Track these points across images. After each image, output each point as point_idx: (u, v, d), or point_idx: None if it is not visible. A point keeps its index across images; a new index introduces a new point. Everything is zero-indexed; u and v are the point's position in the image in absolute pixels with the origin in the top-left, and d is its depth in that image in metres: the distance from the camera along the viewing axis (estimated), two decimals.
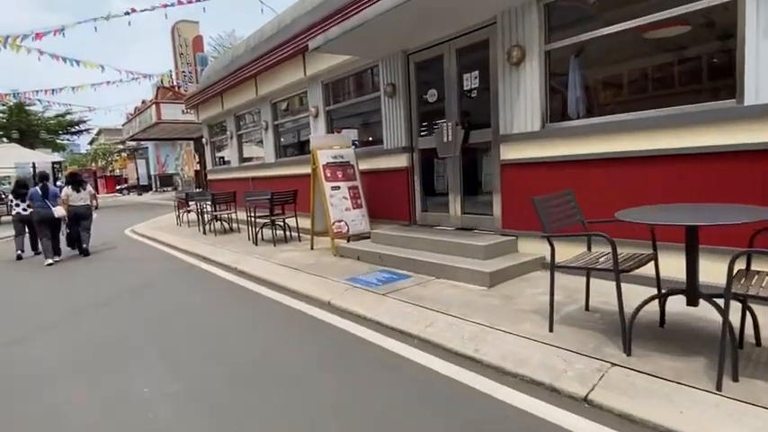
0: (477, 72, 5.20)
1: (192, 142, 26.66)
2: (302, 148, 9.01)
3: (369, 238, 6.11)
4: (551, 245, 2.92)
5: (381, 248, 5.45)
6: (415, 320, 3.51)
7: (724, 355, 2.17)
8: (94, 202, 8.82)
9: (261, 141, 10.08)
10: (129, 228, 12.48)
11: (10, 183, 19.61)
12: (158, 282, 6.08)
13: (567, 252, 3.23)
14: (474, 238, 4.88)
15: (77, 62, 16.76)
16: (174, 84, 23.28)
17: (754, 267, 2.53)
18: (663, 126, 3.62)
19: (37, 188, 8.02)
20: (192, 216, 10.98)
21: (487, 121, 5.06)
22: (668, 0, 3.57)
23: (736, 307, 2.39)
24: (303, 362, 3.15)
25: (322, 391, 2.72)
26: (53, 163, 21.27)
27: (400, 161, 6.18)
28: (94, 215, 8.91)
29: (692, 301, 2.54)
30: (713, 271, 2.99)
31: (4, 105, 24.45)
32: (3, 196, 18.85)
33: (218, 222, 9.74)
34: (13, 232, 8.82)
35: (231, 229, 9.68)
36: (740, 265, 2.29)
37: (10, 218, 8.96)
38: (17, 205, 8.50)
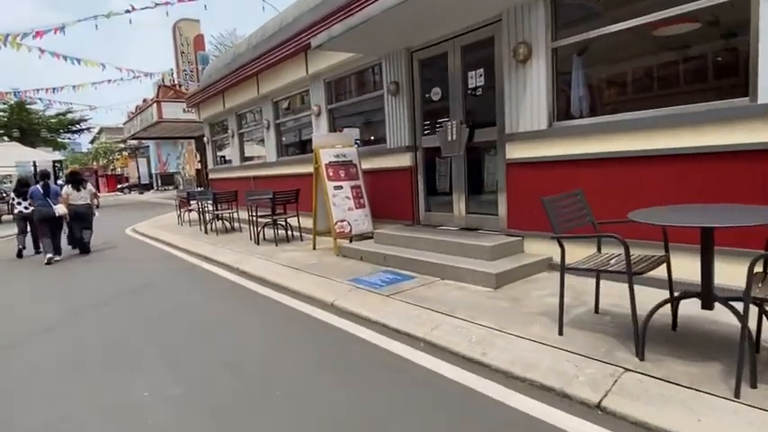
0: (482, 70, 5.12)
1: (193, 141, 26.60)
2: (304, 147, 8.94)
3: (371, 238, 6.04)
4: (562, 246, 2.85)
5: (385, 249, 5.39)
6: (421, 323, 3.44)
7: (743, 361, 2.10)
8: (96, 201, 8.80)
9: (262, 140, 10.01)
10: (130, 227, 12.43)
11: (11, 181, 19.57)
12: (159, 282, 6.02)
13: (576, 253, 3.17)
14: (479, 238, 4.81)
15: (78, 60, 16.73)
16: (176, 82, 23.23)
17: None
18: (672, 125, 3.55)
19: (38, 186, 8.01)
20: (194, 215, 10.93)
21: (493, 120, 4.99)
22: None
23: (751, 310, 2.32)
24: (307, 365, 3.09)
25: (328, 397, 2.65)
26: (54, 162, 21.22)
27: (404, 160, 6.11)
28: (96, 214, 8.89)
29: (707, 305, 2.47)
30: (727, 273, 2.93)
31: (4, 104, 24.42)
32: (4, 195, 18.85)
33: (220, 222, 9.68)
34: (14, 231, 8.80)
35: (233, 229, 9.62)
36: (757, 268, 2.22)
37: (11, 216, 8.97)
38: (19, 203, 8.55)
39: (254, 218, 7.61)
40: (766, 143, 3.09)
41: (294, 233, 7.72)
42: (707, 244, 2.42)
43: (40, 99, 23.94)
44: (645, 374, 2.37)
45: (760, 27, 3.09)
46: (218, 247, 7.64)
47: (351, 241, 6.06)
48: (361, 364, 3.05)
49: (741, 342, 2.10)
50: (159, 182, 42.84)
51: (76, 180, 8.44)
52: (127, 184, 48.26)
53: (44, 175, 8.41)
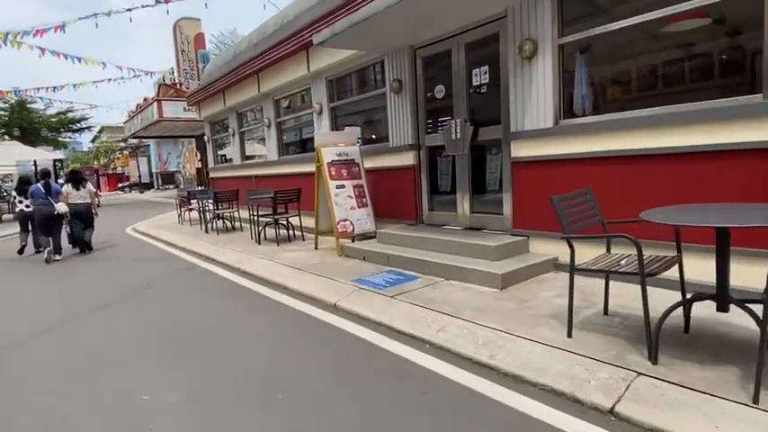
0: (486, 67, 5.05)
1: (193, 140, 26.55)
2: (305, 145, 8.88)
3: (374, 237, 5.97)
4: (571, 246, 2.78)
5: (388, 249, 5.32)
6: (426, 324, 3.37)
7: (762, 366, 2.03)
8: (96, 200, 8.78)
9: (263, 139, 9.95)
10: (131, 226, 12.38)
11: (12, 180, 19.54)
12: (159, 282, 5.96)
13: (585, 253, 3.10)
14: (484, 237, 4.74)
15: (79, 59, 16.66)
16: (176, 81, 23.16)
17: None
18: (681, 122, 3.48)
19: (39, 185, 8.00)
20: (194, 214, 10.87)
21: (497, 118, 4.92)
22: None
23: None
24: (310, 368, 3.02)
25: (332, 401, 2.59)
26: (55, 161, 21.18)
27: (407, 159, 6.04)
28: (97, 213, 8.87)
29: (722, 307, 2.41)
30: (740, 274, 2.86)
31: (5, 103, 24.37)
32: (5, 194, 18.82)
33: (221, 221, 9.62)
34: (13, 231, 8.81)
35: (233, 228, 9.56)
36: None
37: (11, 216, 9.02)
38: (20, 202, 8.63)
39: (256, 217, 7.55)
40: None
41: (296, 233, 7.66)
42: (722, 245, 2.35)
43: (40, 98, 23.94)
44: (659, 379, 2.30)
45: None
46: (218, 246, 7.57)
47: (353, 241, 5.99)
48: (365, 367, 2.99)
49: (761, 346, 2.03)
50: (160, 181, 42.81)
51: (76, 179, 8.45)
52: (127, 183, 48.24)
53: (45, 174, 8.43)
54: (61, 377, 3.19)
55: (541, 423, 2.21)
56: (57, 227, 8.00)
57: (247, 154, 11.11)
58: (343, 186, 6.10)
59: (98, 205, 9.15)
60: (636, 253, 2.52)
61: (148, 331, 4.04)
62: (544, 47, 4.28)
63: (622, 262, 2.80)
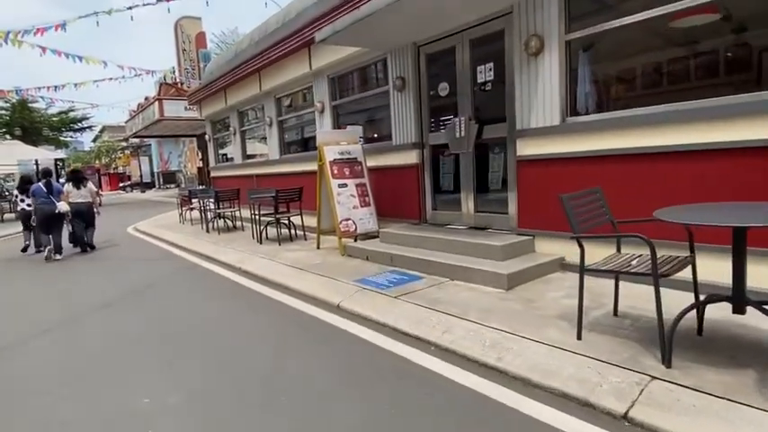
0: (491, 64, 4.97)
1: (194, 139, 26.53)
2: (307, 144, 8.82)
3: (377, 237, 5.91)
4: (581, 246, 2.71)
5: (391, 248, 5.25)
6: (432, 326, 3.30)
7: None
8: (98, 199, 8.78)
9: (264, 138, 9.88)
10: (132, 225, 12.33)
11: (14, 180, 19.52)
12: (160, 282, 5.90)
13: (594, 253, 3.02)
14: (489, 237, 4.67)
15: (80, 58, 16.63)
16: (177, 80, 23.13)
17: None
18: (690, 120, 3.40)
19: (40, 184, 7.99)
20: (195, 214, 10.82)
21: (502, 116, 4.84)
22: None
23: None
24: (313, 371, 2.96)
25: (334, 404, 2.52)
26: (56, 160, 21.14)
27: (410, 157, 5.97)
28: (99, 212, 8.87)
29: (738, 309, 2.33)
30: (755, 275, 2.78)
31: (6, 102, 24.34)
32: (6, 193, 18.80)
33: (222, 220, 9.56)
34: (12, 230, 8.82)
35: (235, 228, 9.50)
36: None
37: (12, 215, 9.09)
38: (22, 201, 8.68)
39: (257, 216, 7.48)
40: None
41: (297, 232, 7.59)
42: (739, 245, 2.28)
43: (41, 97, 23.91)
44: (674, 383, 2.23)
45: None
46: (219, 246, 7.51)
47: (356, 240, 5.93)
48: (369, 368, 2.92)
49: None
50: (161, 180, 42.75)
51: (77, 178, 8.47)
52: (129, 182, 48.21)
53: (46, 173, 8.44)
54: (61, 378, 3.13)
55: (551, 428, 2.14)
56: (57, 226, 7.97)
57: (248, 153, 11.05)
58: (345, 185, 6.03)
59: (100, 204, 9.14)
60: (648, 253, 2.45)
61: (149, 331, 3.98)
62: (551, 43, 4.21)
63: (633, 262, 2.73)
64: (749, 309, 2.33)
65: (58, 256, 7.82)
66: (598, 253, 3.05)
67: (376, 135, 7.06)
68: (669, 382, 2.24)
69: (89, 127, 31.24)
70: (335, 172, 6.02)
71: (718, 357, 2.44)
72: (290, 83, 8.38)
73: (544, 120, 4.34)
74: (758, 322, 2.64)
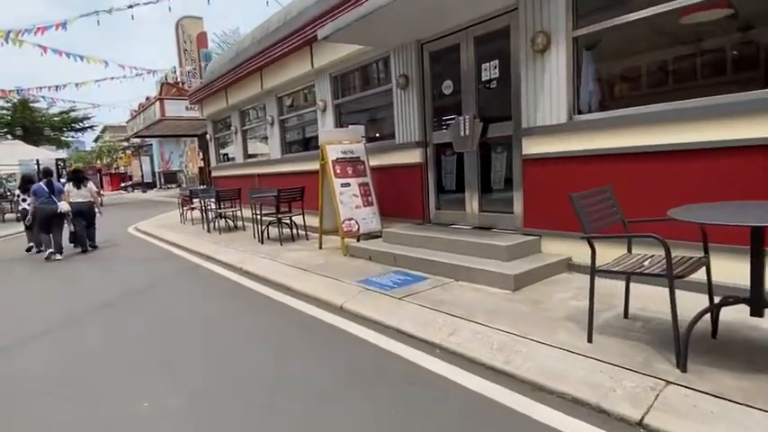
0: (496, 61, 4.90)
1: (196, 139, 26.49)
2: (308, 143, 8.75)
3: (380, 237, 5.84)
4: (592, 247, 2.63)
5: (394, 248, 5.18)
6: (437, 328, 3.23)
7: None
8: (99, 199, 8.75)
9: (266, 138, 9.82)
10: (133, 225, 12.27)
11: (15, 180, 19.49)
12: (161, 282, 5.84)
13: (604, 254, 2.94)
14: (494, 237, 4.59)
15: (81, 57, 16.58)
16: (178, 80, 23.09)
17: None
18: (703, 117, 3.32)
19: (41, 184, 7.96)
20: (196, 213, 10.76)
21: (508, 114, 4.77)
22: None
23: None
24: (316, 372, 2.89)
25: (338, 409, 2.45)
26: (57, 160, 21.10)
27: (413, 156, 5.89)
28: (100, 213, 8.83)
29: (756, 312, 2.26)
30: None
31: (8, 102, 24.32)
32: (8, 193, 18.77)
33: (223, 220, 9.50)
34: (12, 231, 8.78)
35: (236, 227, 9.44)
36: None
37: (14, 215, 9.09)
38: (23, 200, 8.66)
39: (258, 216, 7.42)
40: None
41: (299, 232, 7.53)
42: (757, 245, 2.20)
43: (43, 97, 23.89)
44: (690, 388, 2.15)
45: None
46: (221, 246, 7.45)
47: (358, 240, 5.86)
48: (374, 371, 2.85)
49: None
50: (162, 180, 42.73)
51: (77, 178, 8.48)
52: (130, 182, 48.19)
53: (47, 173, 8.42)
54: (61, 380, 3.07)
55: None
56: (58, 225, 7.94)
57: (250, 153, 10.99)
58: (348, 185, 5.96)
59: (101, 204, 9.12)
60: (660, 254, 2.38)
61: (150, 333, 3.92)
62: (557, 39, 4.13)
63: (645, 263, 2.65)
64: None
65: (58, 256, 7.77)
66: (608, 253, 2.97)
67: (379, 134, 6.99)
68: (685, 387, 2.17)
69: (90, 127, 31.20)
70: (338, 171, 5.95)
71: (735, 362, 2.36)
72: (292, 81, 8.32)
73: (551, 118, 4.27)
74: None
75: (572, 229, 4.10)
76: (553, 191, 4.28)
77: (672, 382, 2.21)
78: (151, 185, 44.62)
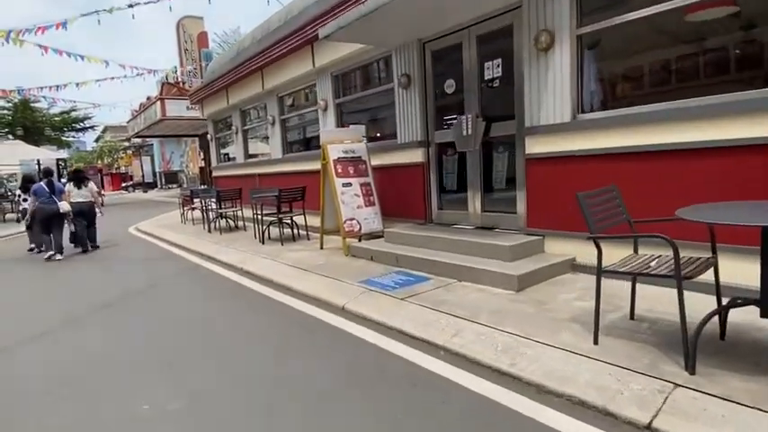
0: (499, 60, 4.86)
1: (197, 139, 26.47)
2: (309, 143, 8.72)
3: (382, 237, 5.80)
4: (598, 247, 2.59)
5: (396, 248, 5.14)
6: (440, 329, 3.20)
7: None
8: (100, 199, 8.73)
9: (266, 138, 9.79)
10: (134, 225, 12.25)
11: (16, 180, 19.48)
12: (161, 282, 5.81)
13: (609, 254, 2.90)
14: (497, 237, 4.56)
15: (82, 57, 16.57)
16: (179, 80, 23.07)
17: None
18: (710, 115, 3.28)
19: (42, 183, 7.94)
20: (197, 213, 10.74)
21: (511, 113, 4.73)
22: None
23: None
24: (318, 374, 2.85)
25: (341, 413, 2.42)
26: (58, 160, 21.10)
27: (415, 156, 5.86)
28: (101, 213, 8.82)
29: (766, 313, 2.21)
30: None
31: (8, 102, 24.31)
32: (9, 193, 18.75)
33: (224, 220, 9.47)
34: (17, 230, 8.78)
35: (237, 227, 9.40)
36: None
37: (14, 215, 9.08)
38: (24, 200, 8.65)
39: (259, 216, 7.39)
40: None
41: (300, 232, 7.50)
42: None
43: (43, 97, 23.86)
44: (699, 391, 2.11)
45: None
46: (222, 246, 7.42)
47: (360, 240, 5.82)
48: (375, 373, 2.81)
49: None
50: (163, 180, 42.72)
51: (78, 178, 8.47)
52: (131, 182, 48.20)
53: (47, 173, 8.40)
54: (61, 380, 3.04)
55: None
56: (58, 226, 7.91)
57: (251, 152, 10.96)
58: (349, 184, 5.93)
59: (102, 205, 9.10)
60: (667, 254, 2.35)
61: (150, 333, 3.89)
62: (561, 37, 4.10)
63: (652, 263, 2.62)
64: None
65: (59, 256, 7.75)
66: (614, 254, 2.93)
67: (380, 133, 6.96)
68: (694, 389, 2.13)
69: (91, 127, 31.18)
70: (339, 171, 5.91)
71: (743, 364, 2.32)
72: (293, 81, 8.28)
73: (554, 116, 4.23)
74: None
75: (576, 228, 4.07)
76: (557, 190, 4.24)
77: (680, 385, 2.17)
78: (152, 185, 44.62)
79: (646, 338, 2.71)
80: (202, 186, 17.53)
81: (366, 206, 5.97)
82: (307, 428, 2.30)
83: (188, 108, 16.51)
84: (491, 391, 2.49)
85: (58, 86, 21.12)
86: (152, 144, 44.83)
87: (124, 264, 7.36)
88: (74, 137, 31.52)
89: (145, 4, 13.47)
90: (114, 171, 53.99)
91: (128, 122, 25.54)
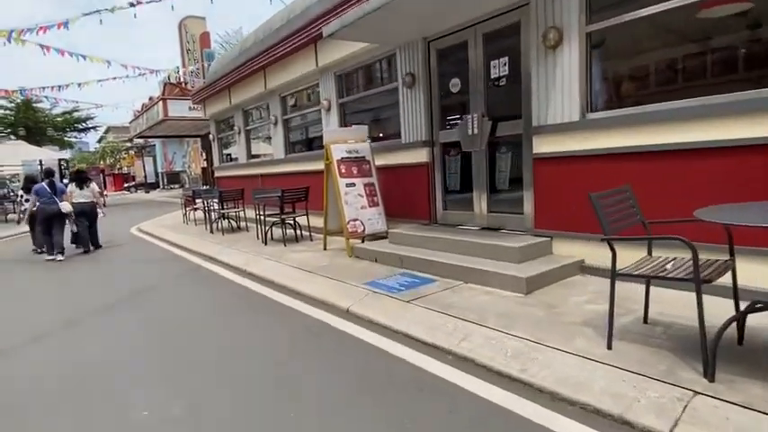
0: (506, 58, 4.78)
1: (199, 139, 26.44)
2: (312, 143, 8.65)
3: (386, 238, 5.73)
4: (613, 249, 2.52)
5: (401, 249, 5.07)
6: (448, 332, 3.12)
7: None
8: (102, 199, 8.71)
9: (269, 138, 9.73)
10: (136, 226, 12.20)
11: (18, 180, 19.48)
12: (162, 284, 5.75)
13: (622, 256, 2.81)
14: (504, 238, 4.48)
15: (84, 57, 16.54)
16: (182, 80, 23.04)
17: None
18: (726, 114, 3.20)
19: (43, 184, 7.91)
20: (199, 214, 10.69)
21: (518, 112, 4.65)
22: None
23: None
24: (322, 379, 2.78)
25: (346, 420, 2.34)
26: (60, 160, 21.08)
27: (420, 156, 5.78)
28: (103, 213, 8.78)
29: None
30: None
31: (11, 102, 24.32)
32: (11, 194, 18.74)
33: (226, 221, 9.41)
34: (18, 231, 8.75)
35: (239, 228, 9.34)
36: None
37: (15, 216, 9.07)
38: (26, 200, 8.64)
39: (262, 217, 7.32)
40: None
41: (303, 233, 7.43)
42: None
43: (45, 97, 23.85)
44: (719, 399, 2.04)
45: None
46: (224, 247, 7.36)
47: (363, 241, 5.75)
48: (382, 379, 2.74)
49: None
50: (165, 180, 42.73)
51: (80, 178, 8.45)
52: (133, 182, 48.25)
53: (49, 173, 8.37)
54: (57, 388, 2.97)
55: None
56: (59, 226, 7.87)
57: (253, 153, 10.90)
58: (353, 185, 5.86)
59: (104, 205, 9.07)
60: (683, 257, 2.27)
61: (151, 337, 3.82)
62: (570, 35, 4.02)
63: (668, 266, 2.54)
64: None
65: (60, 257, 7.70)
66: (626, 255, 2.85)
67: (384, 133, 6.88)
68: (714, 397, 2.05)
69: (93, 127, 31.16)
70: (343, 171, 5.84)
71: (764, 371, 2.24)
72: (296, 81, 8.22)
73: (562, 116, 4.15)
74: None
75: (585, 229, 3.99)
76: (565, 191, 4.16)
77: (700, 393, 2.10)
78: (154, 186, 44.65)
79: (660, 343, 2.63)
80: (205, 187, 17.48)
81: (370, 207, 5.90)
82: None
83: (190, 108, 16.49)
84: (501, 397, 2.41)
85: (60, 86, 21.09)
86: (154, 144, 44.88)
87: (125, 264, 7.30)
88: (76, 137, 31.51)
89: (147, 3, 13.42)
90: (116, 171, 54.07)
91: (130, 123, 25.52)
